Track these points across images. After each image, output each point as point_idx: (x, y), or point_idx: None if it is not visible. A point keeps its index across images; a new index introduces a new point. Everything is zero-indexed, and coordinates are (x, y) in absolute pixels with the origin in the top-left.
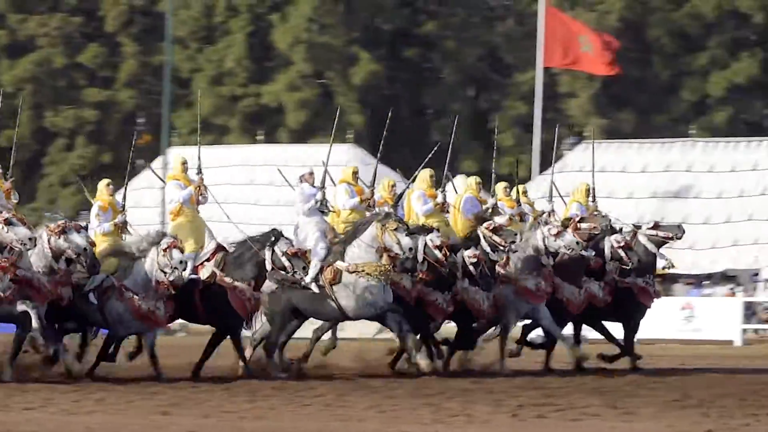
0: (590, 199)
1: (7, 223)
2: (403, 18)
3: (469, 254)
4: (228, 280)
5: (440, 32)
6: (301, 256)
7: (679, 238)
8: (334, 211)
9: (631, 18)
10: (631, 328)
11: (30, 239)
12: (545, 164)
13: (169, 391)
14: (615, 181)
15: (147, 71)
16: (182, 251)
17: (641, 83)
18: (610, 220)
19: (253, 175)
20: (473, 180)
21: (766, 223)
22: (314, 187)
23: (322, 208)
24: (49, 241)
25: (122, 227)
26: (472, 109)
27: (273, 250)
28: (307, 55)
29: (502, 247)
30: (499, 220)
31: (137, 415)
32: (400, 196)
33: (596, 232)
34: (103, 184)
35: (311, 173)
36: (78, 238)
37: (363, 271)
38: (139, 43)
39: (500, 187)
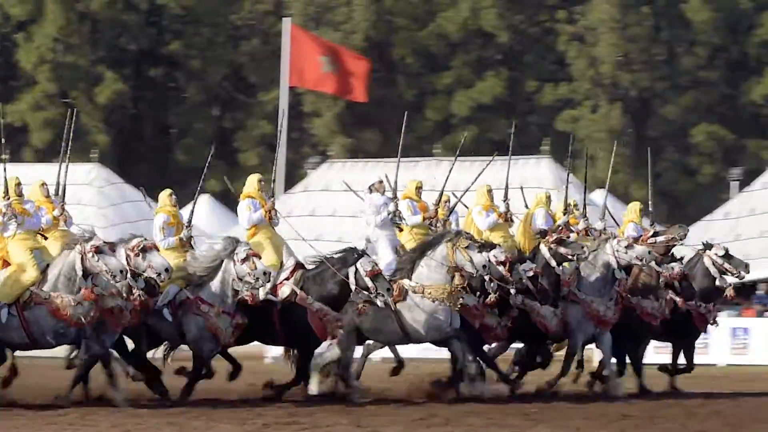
0: (649, 221)
1: (98, 251)
2: (148, 38)
3: (525, 268)
4: (309, 300)
5: (185, 51)
6: (383, 277)
7: (741, 278)
8: (401, 228)
9: (376, 37)
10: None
11: (121, 272)
12: (290, 183)
13: None
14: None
15: None
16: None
17: (386, 103)
18: (687, 231)
19: None
20: (544, 194)
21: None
22: (385, 196)
23: (395, 220)
24: (127, 260)
25: (187, 242)
26: (217, 129)
27: (356, 269)
28: (51, 75)
29: (570, 257)
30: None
31: None
32: (452, 210)
33: (674, 243)
34: (165, 195)
35: (381, 182)
36: (159, 258)
37: (429, 293)
38: None
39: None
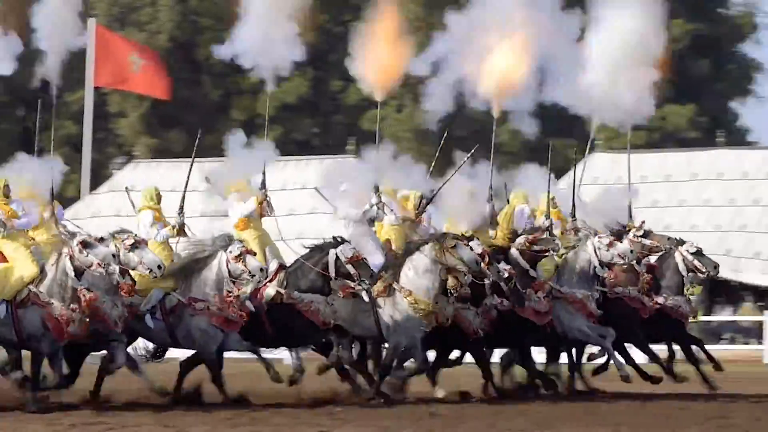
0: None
1: (85, 245)
2: None
3: (501, 268)
4: (296, 295)
5: None
6: (366, 263)
7: (711, 277)
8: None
9: (181, 38)
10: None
11: (114, 256)
12: (96, 184)
13: None
14: (167, 199)
15: None
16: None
17: (191, 103)
18: (675, 242)
19: None
20: (522, 191)
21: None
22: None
23: (380, 213)
24: (118, 255)
25: (180, 229)
26: (22, 129)
27: (336, 257)
28: None
29: (546, 254)
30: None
31: None
32: (425, 207)
33: (658, 251)
34: (152, 192)
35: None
36: (151, 254)
37: (414, 303)
38: None
39: None
